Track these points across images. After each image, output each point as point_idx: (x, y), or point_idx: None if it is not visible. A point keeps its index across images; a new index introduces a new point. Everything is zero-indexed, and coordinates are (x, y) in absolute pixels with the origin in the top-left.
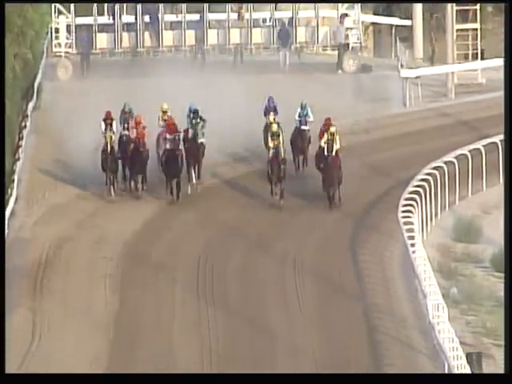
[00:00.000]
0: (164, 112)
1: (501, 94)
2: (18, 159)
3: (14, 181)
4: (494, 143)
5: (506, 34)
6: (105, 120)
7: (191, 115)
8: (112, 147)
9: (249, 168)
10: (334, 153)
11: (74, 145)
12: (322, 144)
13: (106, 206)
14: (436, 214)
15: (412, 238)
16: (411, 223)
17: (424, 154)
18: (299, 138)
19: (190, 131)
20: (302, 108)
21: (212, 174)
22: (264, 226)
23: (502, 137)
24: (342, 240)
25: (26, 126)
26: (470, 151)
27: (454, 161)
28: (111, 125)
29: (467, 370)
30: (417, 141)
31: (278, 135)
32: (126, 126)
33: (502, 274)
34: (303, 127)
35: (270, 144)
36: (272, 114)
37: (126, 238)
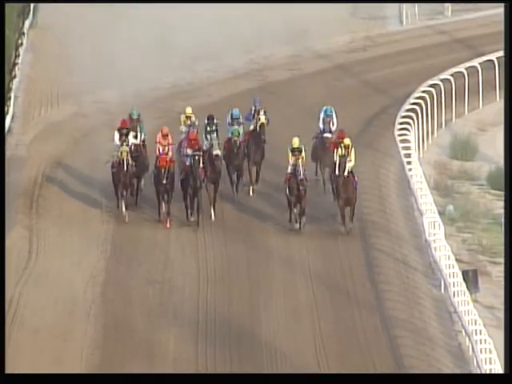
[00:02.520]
0: (188, 117)
1: (497, 11)
2: (15, 77)
3: (10, 98)
4: (491, 61)
5: (506, 34)
6: (119, 130)
7: (206, 121)
8: (127, 163)
9: None
10: (347, 172)
11: (71, 64)
12: (335, 158)
13: (104, 125)
14: (432, 132)
15: (408, 155)
16: (408, 141)
17: (421, 71)
18: (321, 147)
19: (205, 142)
20: (325, 112)
21: None
22: None
23: (498, 54)
24: None
25: (22, 44)
26: (466, 69)
27: (451, 78)
28: (127, 135)
29: (463, 288)
30: (413, 59)
31: (301, 151)
32: (133, 134)
33: (498, 192)
34: (326, 134)
35: (291, 160)
36: (262, 113)
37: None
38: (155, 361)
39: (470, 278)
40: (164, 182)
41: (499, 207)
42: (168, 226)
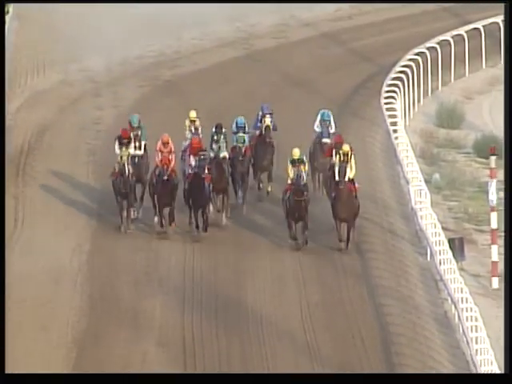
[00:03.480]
0: (192, 121)
1: None
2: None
3: None
4: (477, 29)
5: (506, 34)
6: (119, 139)
7: (214, 129)
8: (129, 168)
9: None
10: (347, 179)
11: (57, 32)
12: (336, 165)
13: (90, 93)
14: (419, 100)
15: (394, 124)
16: (394, 109)
17: (407, 39)
18: (319, 153)
19: (214, 146)
20: (322, 116)
21: None
22: None
23: (484, 22)
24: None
25: (8, 12)
26: (452, 37)
27: (437, 46)
28: (127, 145)
29: (449, 256)
30: (400, 27)
31: (302, 162)
32: (136, 144)
33: (484, 160)
34: (325, 140)
35: (290, 172)
36: (268, 115)
37: (108, 124)
38: (141, 328)
39: (456, 246)
40: (165, 177)
41: (485, 175)
42: (173, 226)
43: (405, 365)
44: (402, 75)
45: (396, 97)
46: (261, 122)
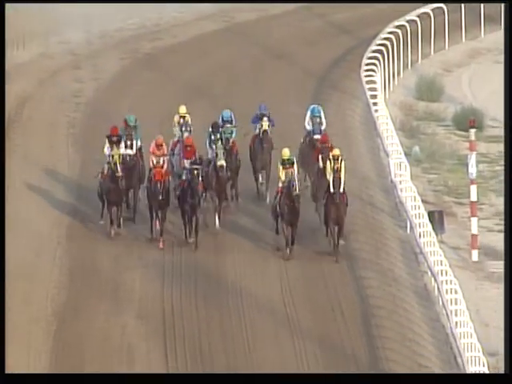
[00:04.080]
0: (182, 117)
1: None
2: None
3: None
4: (457, 2)
5: (506, 34)
6: (109, 137)
7: (210, 129)
8: (118, 168)
9: None
10: (342, 189)
11: (36, 4)
12: (327, 174)
13: (70, 66)
14: (398, 73)
15: (374, 96)
16: (374, 82)
17: (387, 12)
18: (310, 151)
19: (209, 151)
20: (312, 112)
21: None
22: None
23: None
24: (305, 99)
25: None
26: (432, 10)
27: (417, 19)
28: (118, 143)
29: (429, 229)
30: None
31: (292, 163)
32: (128, 143)
33: (464, 133)
34: (317, 136)
35: (281, 174)
36: (265, 119)
37: (88, 97)
38: (121, 301)
39: (436, 219)
40: (160, 197)
41: (465, 148)
42: (161, 246)
43: (384, 337)
44: (382, 48)
45: (376, 70)
46: (259, 120)
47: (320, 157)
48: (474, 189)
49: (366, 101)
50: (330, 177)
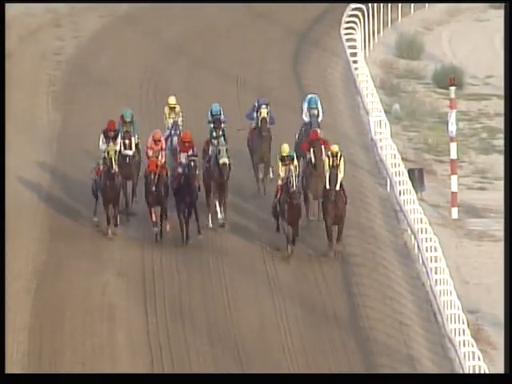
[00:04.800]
0: (171, 108)
1: None
2: None
3: None
4: None
5: (506, 34)
6: (105, 133)
7: (212, 125)
8: (114, 165)
9: None
10: (338, 186)
11: None
12: (326, 169)
13: (51, 24)
14: (378, 31)
15: (354, 54)
16: (354, 40)
17: None
18: (308, 137)
19: (210, 148)
20: (309, 103)
21: None
22: None
23: None
24: (285, 56)
25: None
26: None
27: None
28: (114, 139)
29: (409, 186)
30: None
31: (292, 159)
32: (126, 142)
33: (444, 90)
34: (313, 128)
35: (281, 171)
36: (264, 106)
37: (68, 54)
38: (101, 260)
39: (416, 177)
40: (153, 189)
41: (445, 106)
42: (168, 228)
43: (365, 295)
44: (362, 6)
45: (356, 27)
46: (257, 112)
47: (312, 150)
48: (453, 146)
49: (346, 59)
50: (326, 173)
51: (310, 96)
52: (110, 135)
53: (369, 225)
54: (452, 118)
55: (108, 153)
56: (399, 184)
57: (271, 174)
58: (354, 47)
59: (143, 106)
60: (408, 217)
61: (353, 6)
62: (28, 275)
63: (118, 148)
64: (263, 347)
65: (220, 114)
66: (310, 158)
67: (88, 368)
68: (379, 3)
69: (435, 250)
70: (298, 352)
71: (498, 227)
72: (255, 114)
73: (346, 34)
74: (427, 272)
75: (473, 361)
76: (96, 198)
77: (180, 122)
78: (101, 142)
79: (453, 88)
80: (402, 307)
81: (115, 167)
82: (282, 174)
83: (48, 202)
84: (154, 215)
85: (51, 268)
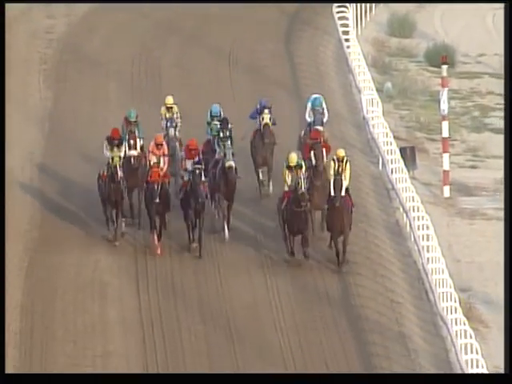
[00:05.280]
0: (169, 108)
1: None
2: None
3: None
4: None
5: (506, 34)
6: (110, 140)
7: (218, 124)
8: (120, 173)
9: None
10: (343, 192)
11: None
12: (330, 174)
13: (42, 0)
14: (370, 9)
15: (346, 33)
16: (346, 18)
17: None
18: (309, 138)
19: (217, 150)
20: (313, 103)
21: None
22: None
23: None
24: (278, 35)
25: None
26: None
27: None
28: (118, 147)
29: (401, 165)
30: None
31: (301, 167)
32: (131, 142)
33: (436, 69)
34: (317, 127)
35: (288, 178)
36: (267, 111)
37: (60, 33)
38: (93, 237)
39: (408, 155)
40: (157, 200)
41: (436, 84)
42: (159, 252)
43: (356, 273)
44: None
45: (348, 6)
46: (259, 115)
47: (312, 153)
48: (445, 125)
49: (338, 37)
50: (331, 179)
51: (314, 96)
52: (114, 143)
53: (361, 203)
54: (444, 96)
55: (113, 159)
56: (391, 162)
57: (271, 186)
58: (345, 25)
59: (135, 83)
60: (400, 195)
61: None
62: (19, 253)
63: (122, 154)
64: (255, 325)
65: (220, 115)
66: (312, 163)
67: (80, 345)
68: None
69: (427, 228)
70: (289, 330)
71: (489, 205)
72: (258, 118)
73: (338, 13)
74: (419, 250)
75: (464, 339)
76: (104, 208)
77: (177, 120)
78: (105, 149)
79: (445, 66)
80: (394, 285)
81: (120, 173)
82: (289, 181)
83: (40, 180)
84: (156, 227)
85: (43, 245)
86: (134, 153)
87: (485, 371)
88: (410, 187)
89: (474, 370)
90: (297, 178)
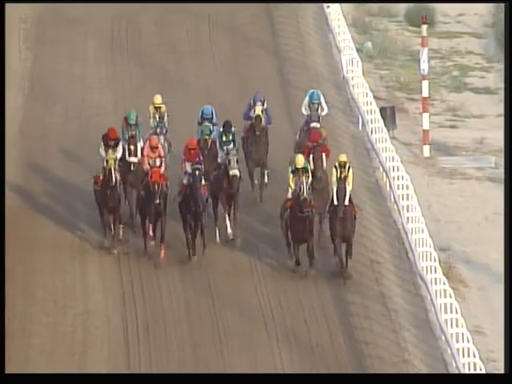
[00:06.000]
0: (157, 108)
1: None
2: None
3: None
4: None
5: (506, 34)
6: (105, 140)
7: (221, 129)
8: (115, 175)
9: None
10: (347, 201)
11: None
12: (333, 181)
13: None
14: None
15: None
16: None
17: None
18: (309, 140)
19: (220, 153)
20: (310, 97)
21: None
22: None
23: None
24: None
25: None
26: None
27: None
28: (115, 147)
29: (381, 125)
30: None
31: (307, 170)
32: (131, 148)
33: (416, 28)
34: (314, 124)
35: (292, 182)
36: (259, 103)
37: None
38: (73, 204)
39: (388, 115)
40: (157, 201)
41: (416, 44)
42: (163, 256)
43: None
44: None
45: None
46: (251, 111)
47: (311, 157)
48: (425, 84)
49: None
50: (334, 186)
51: (312, 90)
52: (110, 144)
53: None
54: (424, 55)
55: (107, 162)
56: (371, 122)
57: (266, 178)
58: None
59: (115, 41)
60: (380, 155)
61: None
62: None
63: (118, 155)
64: (235, 288)
65: (212, 117)
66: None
67: (60, 305)
68: None
69: (407, 187)
70: (270, 292)
71: (469, 165)
72: (251, 113)
73: None
74: (399, 210)
75: (444, 298)
76: (101, 214)
77: (165, 120)
78: (100, 150)
79: (425, 26)
80: (374, 245)
81: (115, 178)
82: (293, 186)
83: (20, 140)
84: (151, 230)
85: (24, 208)
86: (134, 159)
87: (464, 331)
88: (390, 147)
89: (454, 330)
90: (299, 182)
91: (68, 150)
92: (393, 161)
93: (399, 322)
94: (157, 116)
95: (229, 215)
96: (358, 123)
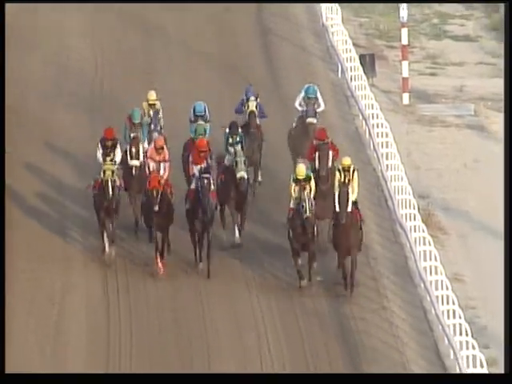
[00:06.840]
0: (151, 105)
1: None
2: None
3: None
4: None
5: (506, 34)
6: (103, 142)
7: (227, 130)
8: (113, 185)
9: None
10: (350, 207)
11: None
12: (336, 186)
13: None
14: None
15: None
16: None
17: None
18: (304, 137)
19: (227, 156)
20: (306, 92)
21: None
22: None
23: None
24: None
25: None
26: None
27: None
28: (113, 148)
29: (360, 72)
30: None
31: (309, 179)
32: (133, 150)
33: None
34: (310, 120)
35: (293, 192)
36: (252, 98)
37: None
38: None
39: (367, 63)
40: (156, 208)
41: None
42: (161, 271)
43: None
44: None
45: None
46: (244, 107)
47: (317, 155)
48: (404, 32)
49: None
50: (336, 191)
51: (307, 85)
52: (107, 145)
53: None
54: (403, 3)
55: (104, 172)
56: (350, 70)
57: (260, 177)
58: None
59: None
60: (359, 102)
61: None
62: None
63: (117, 160)
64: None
65: (205, 114)
66: (315, 167)
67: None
68: None
69: (386, 135)
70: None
71: (449, 112)
72: (244, 108)
73: None
74: (378, 157)
75: (423, 246)
76: (99, 219)
77: (160, 116)
78: (98, 153)
79: None
80: None
81: (111, 190)
82: (295, 195)
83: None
84: (157, 243)
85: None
86: (136, 163)
87: (443, 278)
88: (369, 94)
89: (433, 277)
90: (301, 196)
91: (48, 93)
92: (372, 108)
93: (379, 270)
94: (151, 112)
95: (236, 220)
96: (338, 71)
